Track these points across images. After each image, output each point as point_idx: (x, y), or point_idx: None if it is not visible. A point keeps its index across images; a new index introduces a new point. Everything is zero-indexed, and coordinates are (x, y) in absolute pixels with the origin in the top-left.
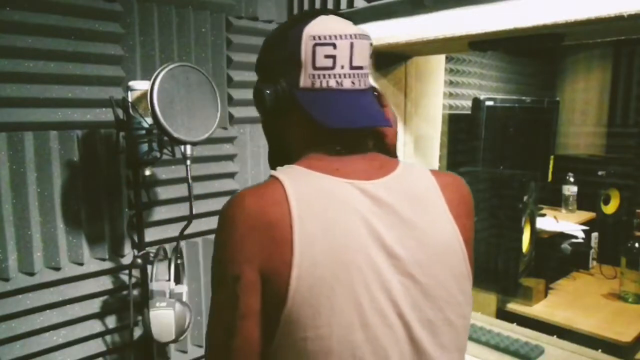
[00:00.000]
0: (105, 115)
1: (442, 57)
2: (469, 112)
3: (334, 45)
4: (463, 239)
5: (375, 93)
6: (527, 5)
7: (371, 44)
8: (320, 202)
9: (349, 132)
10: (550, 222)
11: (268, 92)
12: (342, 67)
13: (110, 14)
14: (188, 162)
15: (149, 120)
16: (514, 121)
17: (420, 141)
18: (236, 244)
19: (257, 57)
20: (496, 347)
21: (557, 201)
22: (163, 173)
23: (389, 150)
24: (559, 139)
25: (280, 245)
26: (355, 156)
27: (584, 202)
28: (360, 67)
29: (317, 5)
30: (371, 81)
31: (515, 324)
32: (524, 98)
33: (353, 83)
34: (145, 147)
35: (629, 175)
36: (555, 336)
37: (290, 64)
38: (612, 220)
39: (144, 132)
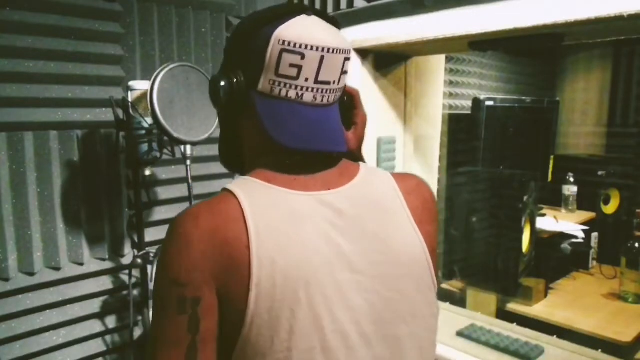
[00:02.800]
0: (105, 115)
1: (442, 57)
2: (469, 112)
3: (302, 56)
4: (428, 246)
5: (346, 97)
6: (527, 5)
7: (347, 59)
8: (278, 219)
9: (315, 154)
10: (550, 222)
11: (223, 83)
12: (307, 79)
13: (110, 14)
14: (188, 162)
15: (149, 120)
16: (514, 121)
17: (420, 141)
18: (193, 263)
19: (226, 41)
20: (496, 347)
21: (557, 201)
22: (163, 173)
23: (351, 155)
24: (559, 139)
25: (237, 265)
26: (313, 163)
27: (584, 202)
28: (327, 83)
29: (317, 5)
30: (340, 90)
31: (515, 324)
32: (524, 98)
33: (315, 98)
34: (145, 147)
35: (629, 175)
36: (555, 336)
37: (253, 62)
38: (612, 220)
39: (144, 132)
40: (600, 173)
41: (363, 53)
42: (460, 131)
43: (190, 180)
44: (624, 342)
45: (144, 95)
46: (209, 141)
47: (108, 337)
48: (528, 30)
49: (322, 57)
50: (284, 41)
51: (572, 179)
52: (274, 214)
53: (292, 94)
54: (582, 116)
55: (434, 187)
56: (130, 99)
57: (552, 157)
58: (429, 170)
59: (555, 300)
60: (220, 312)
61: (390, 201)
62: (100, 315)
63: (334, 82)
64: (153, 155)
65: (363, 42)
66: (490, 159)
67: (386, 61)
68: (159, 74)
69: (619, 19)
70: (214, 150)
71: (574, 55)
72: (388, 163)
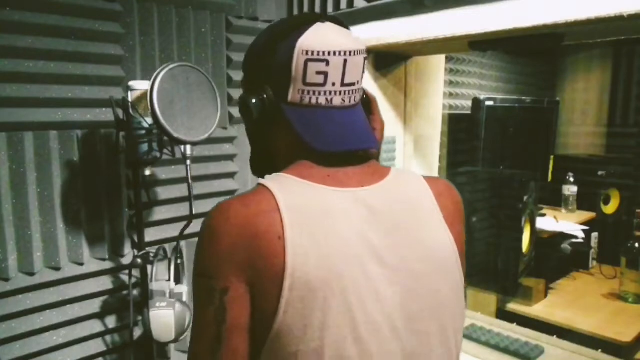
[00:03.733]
0: (105, 115)
1: (442, 57)
2: (469, 112)
3: (327, 62)
4: (457, 247)
5: (365, 99)
6: (527, 5)
7: (365, 59)
8: (312, 212)
9: (347, 154)
10: (550, 222)
11: (254, 101)
12: (334, 84)
13: (110, 14)
14: (188, 162)
15: (149, 120)
16: (514, 121)
17: (420, 141)
18: (222, 256)
19: (244, 60)
20: (496, 347)
21: (557, 201)
22: (163, 173)
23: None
24: (559, 139)
25: (269, 256)
26: (345, 163)
27: (584, 202)
28: (352, 84)
29: (317, 5)
30: (362, 86)
31: (515, 324)
32: (524, 98)
33: (343, 100)
34: (145, 147)
35: (629, 175)
36: (555, 336)
37: (280, 75)
38: (612, 220)
39: (144, 132)
40: (600, 173)
41: None
42: (460, 131)
43: (190, 180)
44: (624, 342)
45: (144, 95)
46: (209, 141)
47: (108, 337)
48: (528, 30)
49: (345, 61)
50: (307, 51)
51: (572, 179)
52: (307, 206)
53: (322, 100)
54: (582, 116)
55: None
56: (130, 99)
57: (552, 157)
58: (429, 170)
59: (555, 300)
60: (252, 302)
61: (422, 200)
62: (100, 315)
63: (357, 83)
64: (153, 155)
65: (363, 42)
66: (490, 159)
67: (386, 61)
68: (159, 74)
69: (619, 19)
70: (214, 150)
71: (574, 55)
72: (388, 163)
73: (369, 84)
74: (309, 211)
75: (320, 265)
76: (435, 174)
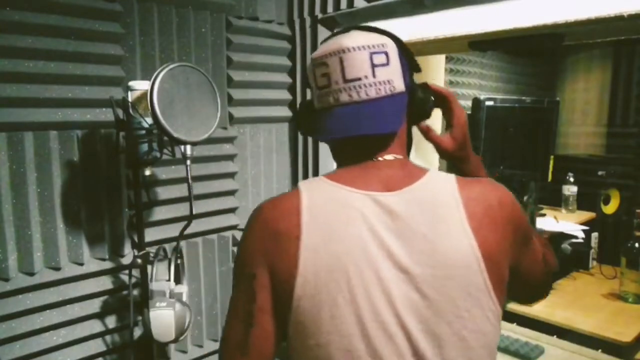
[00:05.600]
0: (105, 115)
1: (442, 57)
2: (469, 112)
3: (326, 64)
4: (483, 251)
5: (434, 97)
6: (527, 5)
7: (375, 53)
8: (330, 214)
9: (362, 141)
10: (550, 222)
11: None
12: (337, 82)
13: (110, 14)
14: (188, 162)
15: (149, 120)
16: (514, 121)
17: (420, 141)
18: (251, 248)
19: None
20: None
21: (557, 201)
22: (163, 173)
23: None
24: (559, 139)
25: (286, 253)
26: (380, 164)
27: (584, 202)
28: (357, 79)
29: (317, 5)
30: (399, 84)
31: (515, 324)
32: (524, 98)
33: (350, 96)
34: (145, 147)
35: (629, 175)
36: (555, 336)
37: (310, 88)
38: (612, 220)
39: (144, 132)
40: (600, 173)
41: None
42: None
43: (190, 180)
44: (624, 342)
45: (144, 95)
46: (209, 141)
47: (108, 337)
48: (528, 30)
49: (341, 58)
50: (313, 59)
51: (572, 179)
52: (327, 209)
53: (330, 99)
54: (582, 116)
55: None
56: (130, 99)
57: (552, 157)
58: None
59: (555, 300)
60: (274, 292)
61: (446, 206)
62: (100, 315)
63: (365, 77)
64: (153, 155)
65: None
66: (490, 159)
67: None
68: (159, 74)
69: (619, 19)
70: (214, 150)
71: (574, 55)
72: None
73: None
74: (328, 213)
75: (331, 266)
76: None
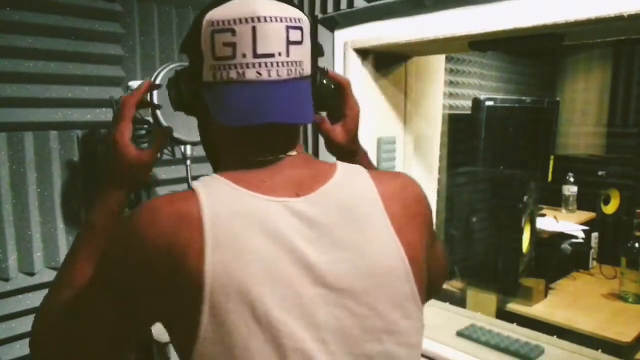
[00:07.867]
0: (105, 115)
1: (442, 57)
2: (469, 112)
3: (233, 31)
4: (408, 255)
5: (333, 85)
6: (527, 5)
7: (292, 27)
8: (239, 227)
9: (270, 132)
10: (550, 222)
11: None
12: (244, 55)
13: (110, 14)
14: (188, 162)
15: (149, 120)
16: (514, 121)
17: (420, 141)
18: (128, 266)
19: None
20: (496, 347)
21: (557, 201)
22: (163, 173)
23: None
24: (559, 139)
25: (186, 273)
26: (284, 163)
27: (584, 202)
28: (271, 55)
29: (317, 5)
30: (305, 69)
31: (515, 324)
32: (524, 98)
33: (259, 74)
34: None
35: (629, 175)
36: (555, 336)
37: (193, 54)
38: (612, 220)
39: (144, 132)
40: (600, 173)
41: (363, 53)
42: (460, 131)
43: (190, 180)
44: (624, 342)
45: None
46: None
47: None
48: (528, 30)
49: (254, 28)
50: (212, 22)
51: (572, 179)
52: (235, 221)
53: (232, 74)
54: (582, 116)
55: (434, 187)
56: None
57: (552, 157)
58: (429, 170)
59: (555, 300)
60: (170, 324)
61: (367, 207)
62: None
63: (279, 54)
64: None
65: (363, 42)
66: (490, 159)
67: (386, 61)
68: (158, 74)
69: (619, 19)
70: None
71: (574, 55)
72: (388, 163)
73: (369, 83)
74: (237, 226)
75: (243, 288)
76: (435, 174)
